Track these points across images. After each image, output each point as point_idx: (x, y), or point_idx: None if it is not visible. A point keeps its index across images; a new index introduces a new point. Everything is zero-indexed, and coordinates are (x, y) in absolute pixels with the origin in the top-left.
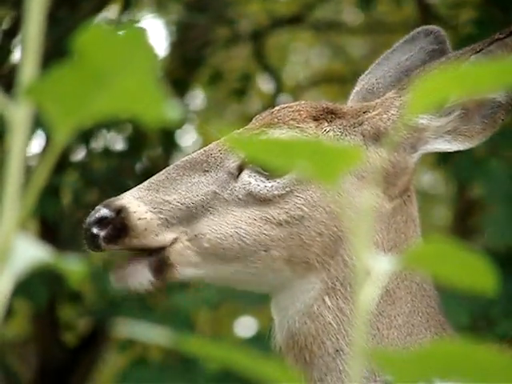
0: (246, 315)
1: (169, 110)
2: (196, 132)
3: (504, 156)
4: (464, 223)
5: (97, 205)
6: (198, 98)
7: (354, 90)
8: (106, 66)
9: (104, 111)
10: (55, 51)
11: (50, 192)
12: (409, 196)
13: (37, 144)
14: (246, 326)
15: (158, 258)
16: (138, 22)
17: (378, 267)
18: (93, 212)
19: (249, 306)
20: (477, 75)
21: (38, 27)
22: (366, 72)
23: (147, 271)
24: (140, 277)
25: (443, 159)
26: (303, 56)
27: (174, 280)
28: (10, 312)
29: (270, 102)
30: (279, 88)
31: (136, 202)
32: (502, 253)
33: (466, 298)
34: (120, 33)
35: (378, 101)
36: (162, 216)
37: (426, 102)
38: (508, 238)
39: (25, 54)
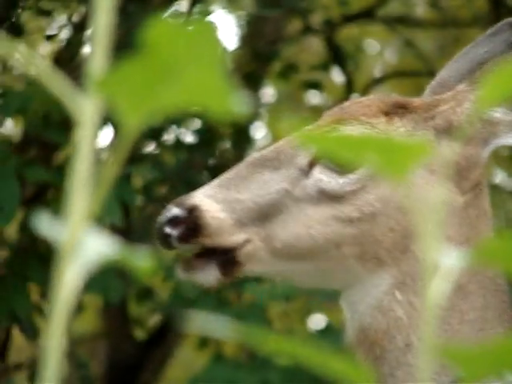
0: (318, 311)
1: (237, 103)
2: (267, 127)
3: None
4: None
5: (167, 200)
6: (269, 92)
7: (429, 85)
8: (175, 60)
9: (173, 104)
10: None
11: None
12: (481, 190)
13: (106, 138)
14: (317, 322)
15: (227, 257)
16: (207, 15)
17: (447, 262)
18: (165, 211)
19: (321, 301)
20: None
21: (108, 20)
22: (445, 67)
23: (215, 269)
24: (207, 273)
25: None
26: (375, 50)
27: (241, 275)
28: (80, 307)
29: (342, 96)
30: (351, 82)
31: (208, 200)
32: None
33: None
34: (189, 27)
35: (449, 94)
36: (234, 216)
37: (500, 94)
38: None
39: (94, 47)
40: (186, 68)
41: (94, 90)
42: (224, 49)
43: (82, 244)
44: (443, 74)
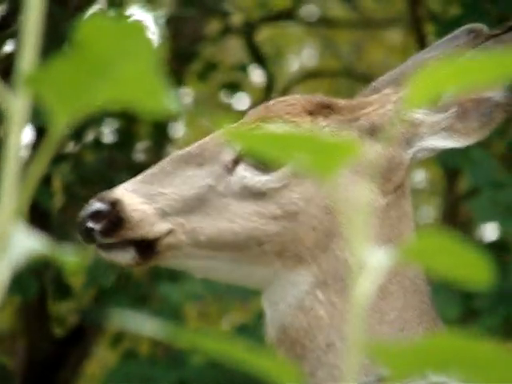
0: (233, 311)
1: (168, 100)
2: (186, 126)
3: (488, 145)
4: (453, 218)
5: (88, 198)
6: (189, 93)
7: (364, 89)
8: (105, 57)
9: (103, 101)
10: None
11: (43, 182)
12: (403, 192)
13: (27, 135)
14: (232, 321)
15: (147, 243)
16: (128, 16)
17: (373, 261)
18: (87, 206)
19: (235, 300)
20: (472, 70)
21: (37, 16)
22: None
23: (133, 250)
24: (125, 253)
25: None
26: (294, 51)
27: (160, 264)
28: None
29: (262, 97)
30: (271, 82)
31: (130, 194)
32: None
33: (453, 290)
34: (119, 24)
35: (375, 96)
36: (157, 206)
37: (422, 96)
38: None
39: (23, 43)
40: (116, 65)
41: (23, 87)
42: (154, 46)
43: (11, 240)
44: (381, 78)
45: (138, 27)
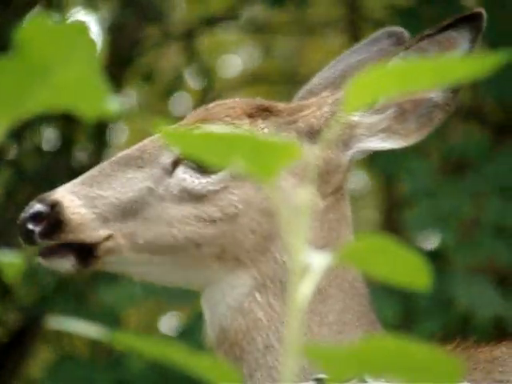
0: (170, 312)
1: (109, 102)
2: (127, 130)
3: (425, 152)
4: (390, 222)
5: (30, 201)
6: (129, 96)
7: (299, 92)
8: (47, 59)
9: (44, 104)
10: None
11: None
12: (342, 194)
13: None
14: (169, 323)
15: (86, 249)
16: (69, 18)
17: (312, 264)
18: (27, 207)
19: (173, 302)
20: (409, 73)
21: None
22: (318, 73)
23: (72, 257)
24: (65, 260)
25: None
26: (233, 55)
27: (100, 269)
28: None
29: (201, 102)
30: (210, 86)
31: (70, 196)
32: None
33: (392, 292)
34: (61, 26)
35: (313, 100)
36: (96, 211)
37: (359, 99)
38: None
39: None
40: (58, 67)
41: None
42: (96, 48)
43: None
44: (314, 81)
45: (80, 29)
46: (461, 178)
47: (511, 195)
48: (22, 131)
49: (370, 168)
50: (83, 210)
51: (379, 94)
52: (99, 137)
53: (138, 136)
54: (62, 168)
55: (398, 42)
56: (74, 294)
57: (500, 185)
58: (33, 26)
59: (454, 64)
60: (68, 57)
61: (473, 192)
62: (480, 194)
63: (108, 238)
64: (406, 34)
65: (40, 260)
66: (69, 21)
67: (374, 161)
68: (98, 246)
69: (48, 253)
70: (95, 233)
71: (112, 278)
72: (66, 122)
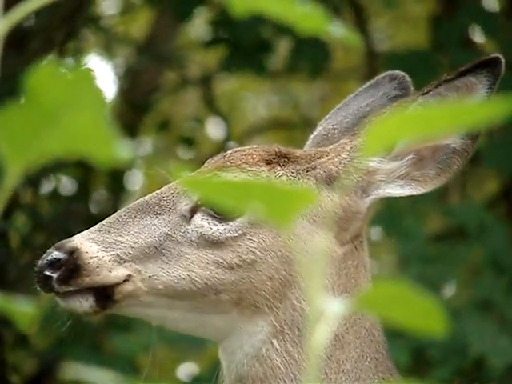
0: (188, 361)
1: (119, 148)
2: (144, 177)
3: (421, 212)
4: None
5: (46, 248)
6: (145, 143)
7: (312, 135)
8: (57, 105)
9: (55, 150)
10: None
11: None
12: (361, 242)
13: None
14: (187, 371)
15: (105, 291)
16: (84, 64)
17: (329, 310)
18: (45, 255)
19: (188, 350)
20: (425, 117)
21: None
22: (326, 117)
23: (91, 299)
24: (83, 302)
25: None
26: (252, 102)
27: (119, 313)
28: None
29: (219, 149)
30: (228, 134)
31: (88, 242)
32: None
33: (405, 338)
34: (69, 73)
35: (331, 146)
36: (114, 253)
37: (376, 144)
38: None
39: None
40: (67, 113)
41: None
42: (104, 95)
43: None
44: (326, 125)
45: (89, 76)
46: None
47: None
48: (37, 177)
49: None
50: (101, 254)
51: (397, 140)
52: (116, 183)
53: (155, 183)
54: (79, 214)
55: (400, 85)
56: (89, 341)
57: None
58: (43, 72)
59: (472, 109)
60: (77, 103)
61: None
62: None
63: (126, 279)
64: (407, 77)
65: (58, 301)
66: (79, 67)
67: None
68: (116, 288)
69: (67, 294)
70: (113, 273)
71: (127, 325)
72: (83, 168)
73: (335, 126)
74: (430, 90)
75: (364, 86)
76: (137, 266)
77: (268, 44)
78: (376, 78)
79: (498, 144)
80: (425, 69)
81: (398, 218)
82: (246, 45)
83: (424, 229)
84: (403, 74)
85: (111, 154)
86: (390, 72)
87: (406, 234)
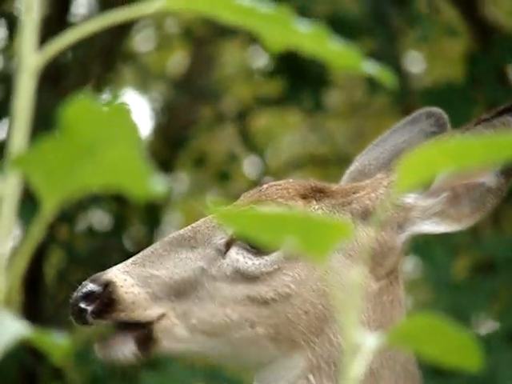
0: None
1: (154, 183)
2: (180, 212)
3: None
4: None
5: (82, 282)
6: (181, 179)
7: (348, 171)
8: (92, 140)
9: (91, 184)
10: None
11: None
12: (396, 277)
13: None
14: None
15: (143, 332)
16: (120, 99)
17: (365, 345)
18: (80, 287)
19: None
20: (461, 150)
21: (28, 100)
22: (362, 153)
23: (132, 344)
24: (124, 349)
25: None
26: (288, 138)
27: (158, 353)
28: None
29: (255, 184)
30: (264, 170)
31: (123, 276)
32: None
33: (437, 373)
34: (105, 107)
35: (367, 181)
36: (149, 290)
37: (413, 180)
38: None
39: (14, 126)
40: (103, 148)
41: (13, 170)
42: (139, 130)
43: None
44: (362, 160)
45: (124, 111)
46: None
47: None
48: (73, 212)
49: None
50: (136, 289)
51: (433, 174)
52: (152, 218)
53: (190, 217)
54: (114, 249)
55: (437, 122)
56: (122, 377)
57: None
58: (79, 106)
59: (508, 143)
60: (112, 138)
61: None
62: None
63: (161, 317)
64: (444, 114)
65: (99, 353)
66: (115, 102)
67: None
68: (152, 326)
69: (106, 343)
70: (148, 311)
71: (158, 363)
72: (119, 203)
73: (372, 162)
74: (470, 128)
75: (401, 123)
76: (172, 303)
77: (327, 79)
78: (413, 114)
79: None
80: (461, 105)
81: (430, 250)
82: (308, 78)
83: (456, 260)
84: (440, 111)
85: (146, 188)
86: (427, 109)
87: (437, 266)
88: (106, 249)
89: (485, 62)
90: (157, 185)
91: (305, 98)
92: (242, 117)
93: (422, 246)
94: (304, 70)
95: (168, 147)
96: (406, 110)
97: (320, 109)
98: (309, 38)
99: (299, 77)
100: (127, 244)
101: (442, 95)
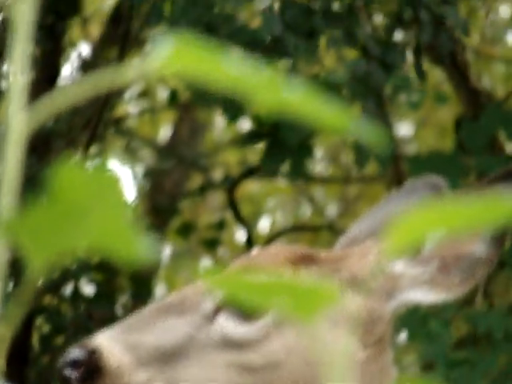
0: None
1: (143, 249)
2: (166, 281)
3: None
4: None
5: (66, 349)
6: (170, 246)
7: (340, 240)
8: (80, 206)
9: (78, 249)
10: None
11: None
12: (385, 345)
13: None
14: None
15: None
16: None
17: None
18: (66, 354)
19: None
20: (453, 217)
21: (16, 165)
22: (357, 221)
23: None
24: None
25: None
26: (276, 205)
27: None
28: None
29: (243, 251)
30: (252, 236)
31: (109, 342)
32: None
33: None
34: (93, 173)
35: (357, 248)
36: (135, 356)
37: (401, 245)
38: None
39: (2, 188)
40: (90, 214)
41: (1, 233)
42: (128, 197)
43: None
44: (354, 229)
45: (112, 178)
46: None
47: None
48: (59, 280)
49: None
50: (122, 355)
51: (422, 238)
52: (140, 286)
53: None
54: (102, 316)
55: (436, 192)
56: None
57: None
58: (66, 172)
59: (497, 211)
60: (100, 204)
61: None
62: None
63: (147, 383)
64: (443, 183)
65: None
66: (102, 168)
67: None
68: None
69: None
70: (134, 377)
71: None
72: (106, 269)
73: (363, 231)
74: (458, 196)
75: (400, 191)
76: (158, 369)
77: (310, 147)
78: (410, 182)
79: None
80: (450, 173)
81: (423, 322)
82: (289, 144)
83: (449, 333)
84: (439, 179)
85: (135, 254)
86: (430, 179)
87: (431, 338)
88: (92, 316)
89: (475, 130)
90: (146, 250)
91: (285, 166)
92: (229, 185)
93: (416, 318)
94: (285, 136)
95: (156, 214)
96: (396, 177)
97: (303, 177)
98: (299, 101)
99: (277, 144)
100: (114, 311)
101: (431, 163)
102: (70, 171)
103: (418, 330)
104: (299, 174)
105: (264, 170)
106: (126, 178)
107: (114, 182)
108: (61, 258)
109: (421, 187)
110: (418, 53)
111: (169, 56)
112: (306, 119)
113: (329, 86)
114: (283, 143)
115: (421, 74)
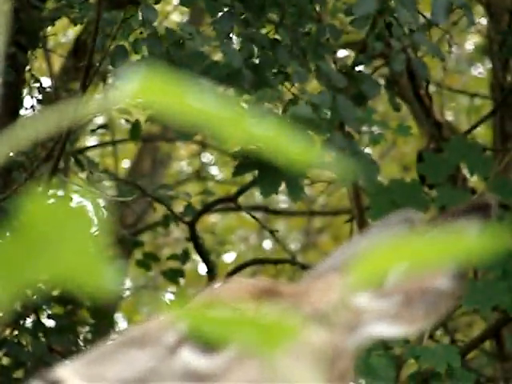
0: None
1: (107, 280)
2: (128, 313)
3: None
4: None
5: (26, 382)
6: (132, 278)
7: (305, 274)
8: (44, 236)
9: (42, 280)
10: None
11: None
12: (348, 380)
13: None
14: None
15: None
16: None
17: None
18: None
19: None
20: (415, 252)
21: None
22: (326, 257)
23: None
24: None
25: None
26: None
27: None
28: None
29: (206, 283)
30: (213, 270)
31: (71, 375)
32: None
33: None
34: (57, 204)
35: (320, 282)
36: None
37: (364, 279)
38: None
39: None
40: (55, 244)
41: None
42: (92, 227)
43: None
44: (322, 264)
45: (75, 211)
46: None
47: None
48: (22, 311)
49: None
50: None
51: (385, 273)
52: (101, 317)
53: (140, 316)
54: (63, 348)
55: (411, 226)
56: None
57: None
58: (30, 203)
59: (460, 246)
60: (65, 234)
61: None
62: None
63: None
64: (420, 217)
65: None
66: (66, 200)
67: None
68: None
69: None
70: None
71: None
72: (67, 302)
73: (330, 265)
74: (421, 230)
75: (373, 226)
76: None
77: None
78: (388, 218)
79: (480, 285)
80: (412, 205)
81: (368, 358)
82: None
83: (393, 369)
84: (417, 213)
85: (98, 285)
86: (404, 213)
87: (376, 375)
88: (53, 348)
89: (437, 162)
90: (109, 282)
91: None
92: (192, 216)
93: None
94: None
95: (117, 246)
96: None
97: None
98: (265, 136)
99: (270, 169)
100: (76, 343)
101: (391, 192)
102: (33, 203)
103: (363, 366)
104: (299, 193)
105: (263, 195)
106: (89, 210)
107: (77, 214)
108: (23, 290)
109: (395, 222)
110: (390, 84)
111: (133, 89)
112: (272, 153)
113: (295, 119)
114: (275, 168)
115: (395, 105)
